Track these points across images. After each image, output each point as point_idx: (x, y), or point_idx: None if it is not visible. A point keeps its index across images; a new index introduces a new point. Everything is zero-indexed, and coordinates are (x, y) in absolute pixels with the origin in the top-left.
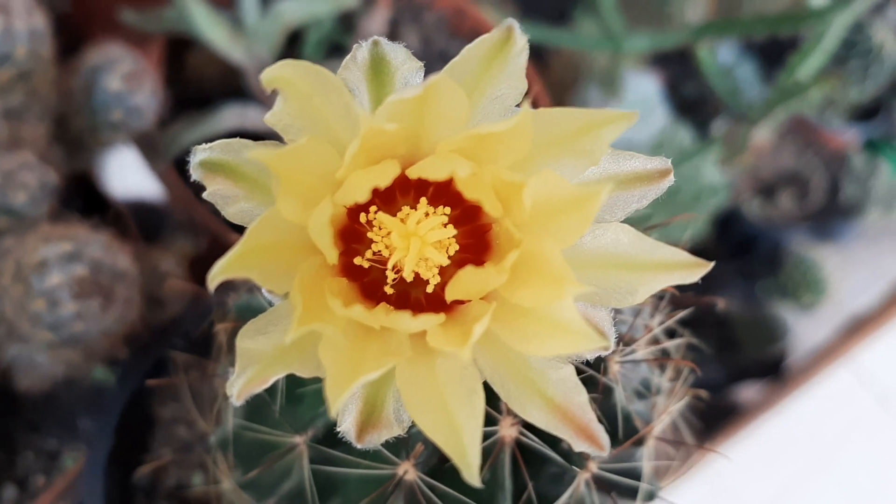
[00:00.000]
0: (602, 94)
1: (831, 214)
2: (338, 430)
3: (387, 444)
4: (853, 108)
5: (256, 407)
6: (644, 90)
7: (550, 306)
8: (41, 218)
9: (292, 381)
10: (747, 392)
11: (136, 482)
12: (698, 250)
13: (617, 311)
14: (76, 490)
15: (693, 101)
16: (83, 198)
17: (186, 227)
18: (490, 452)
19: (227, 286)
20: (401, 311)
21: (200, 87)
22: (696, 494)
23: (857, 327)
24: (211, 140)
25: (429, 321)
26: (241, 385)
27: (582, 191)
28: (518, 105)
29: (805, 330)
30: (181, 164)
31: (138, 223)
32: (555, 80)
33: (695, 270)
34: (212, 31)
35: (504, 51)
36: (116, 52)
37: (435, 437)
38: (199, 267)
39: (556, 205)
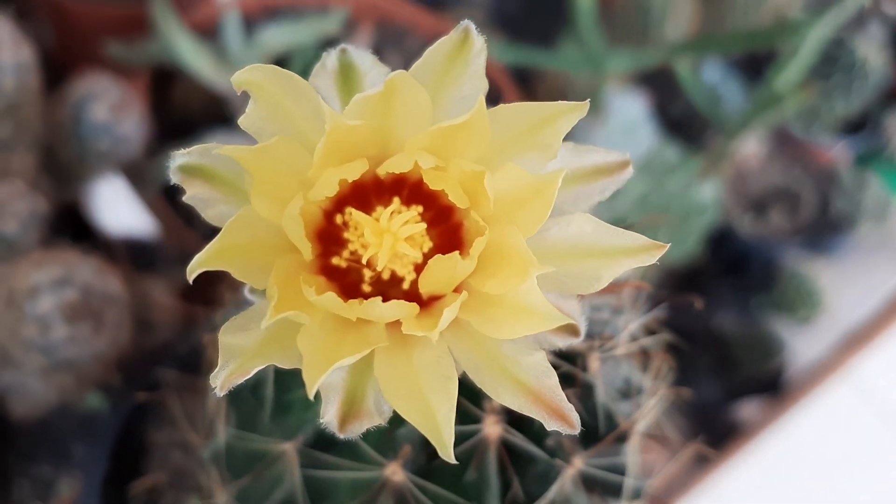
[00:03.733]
0: (586, 116)
1: (823, 229)
2: (321, 420)
3: (375, 446)
4: (840, 123)
5: (246, 417)
6: (629, 110)
7: (517, 291)
8: (32, 245)
9: (280, 389)
10: (746, 409)
11: None
12: (691, 269)
13: (596, 311)
14: None
15: (681, 120)
16: (73, 226)
17: (177, 255)
18: (475, 451)
19: (216, 304)
20: (373, 298)
21: (186, 115)
22: None
23: (855, 340)
24: None
25: (401, 308)
26: (224, 377)
27: (540, 179)
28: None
29: (802, 345)
30: (169, 193)
31: (129, 253)
32: None
33: (653, 252)
34: (196, 61)
35: (463, 51)
36: (103, 82)
37: (411, 418)
38: (189, 292)
39: (519, 195)
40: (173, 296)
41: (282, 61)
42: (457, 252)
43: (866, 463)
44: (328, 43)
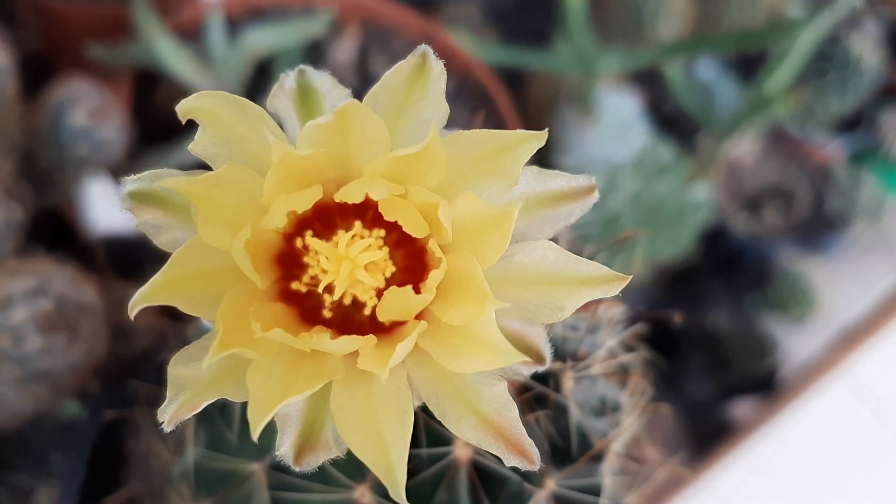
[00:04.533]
0: (578, 115)
1: (817, 227)
2: (276, 453)
3: (343, 469)
4: (835, 121)
5: (216, 436)
6: (621, 109)
7: (476, 324)
8: (7, 254)
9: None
10: (740, 408)
11: None
12: (685, 267)
13: (572, 329)
14: None
15: (674, 118)
16: (53, 232)
17: (159, 258)
18: (445, 474)
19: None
20: (323, 333)
21: (169, 119)
22: None
23: (849, 339)
24: (181, 170)
25: (352, 343)
26: (172, 411)
27: (497, 210)
28: (446, 127)
29: (796, 343)
30: None
31: (115, 258)
32: (533, 103)
33: (614, 284)
34: (179, 63)
35: (422, 77)
36: (82, 87)
37: (363, 457)
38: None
39: (478, 225)
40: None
41: (266, 64)
42: (410, 287)
43: (862, 461)
44: (314, 45)
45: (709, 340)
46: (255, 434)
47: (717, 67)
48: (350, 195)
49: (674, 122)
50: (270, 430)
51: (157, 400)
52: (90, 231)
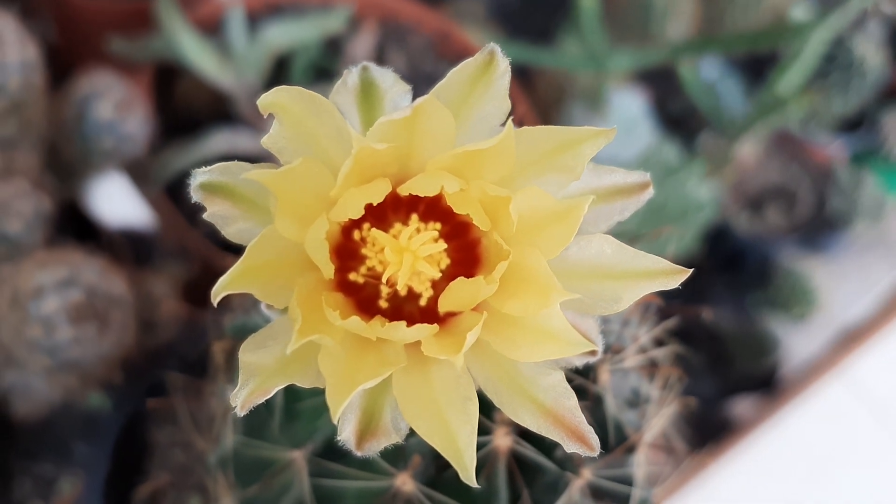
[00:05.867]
0: (587, 112)
1: (819, 227)
2: (338, 438)
3: (385, 456)
4: (837, 121)
5: (255, 424)
6: (629, 107)
7: (539, 315)
8: (36, 245)
9: (290, 397)
10: (741, 406)
11: None
12: (688, 265)
13: (605, 321)
14: None
15: (679, 117)
16: (76, 224)
17: (177, 253)
18: (485, 462)
19: (222, 307)
20: (396, 322)
21: (190, 113)
22: None
23: (849, 339)
24: (201, 165)
25: (423, 331)
26: (244, 396)
27: (565, 204)
28: (503, 124)
29: (796, 342)
30: (172, 190)
31: (130, 249)
32: (540, 99)
33: (675, 276)
34: (200, 58)
35: (487, 73)
36: (107, 80)
37: (432, 442)
38: (191, 291)
39: (542, 218)
40: (175, 294)
41: (285, 59)
42: (481, 276)
43: (861, 460)
44: (332, 41)
45: (710, 338)
46: (336, 417)
47: (721, 67)
48: (422, 188)
49: (679, 120)
50: (313, 417)
51: (188, 389)
52: (105, 223)
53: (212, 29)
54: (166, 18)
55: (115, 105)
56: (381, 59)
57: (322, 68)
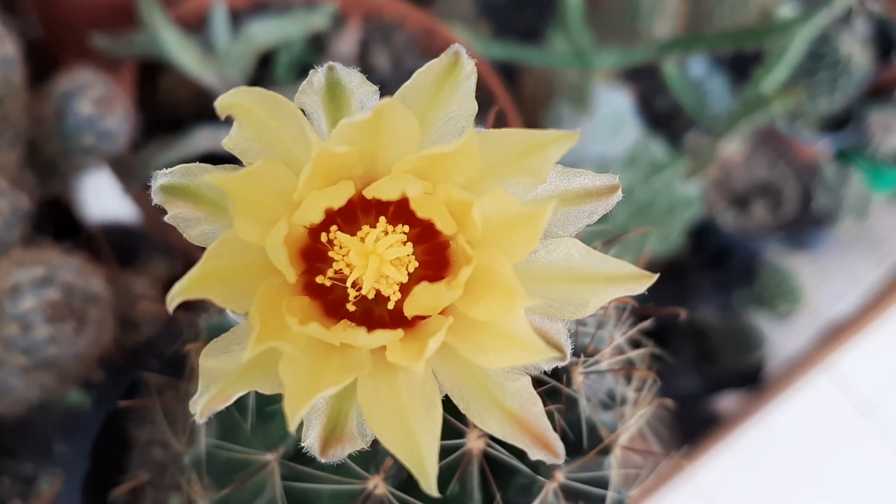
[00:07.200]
0: (573, 110)
1: (805, 224)
2: (302, 444)
3: (357, 459)
4: (823, 119)
5: (228, 426)
6: (615, 105)
7: (504, 320)
8: (14, 243)
9: (263, 399)
10: (726, 402)
11: None
12: (674, 262)
13: (581, 324)
14: None
15: (665, 114)
16: (57, 221)
17: (161, 250)
18: (458, 465)
19: (198, 306)
20: (357, 328)
21: (173, 109)
22: None
23: (834, 335)
24: (184, 162)
25: (384, 337)
26: (203, 403)
27: (529, 208)
28: (476, 126)
29: (782, 339)
30: None
31: (113, 246)
32: (527, 97)
33: (641, 282)
34: (183, 54)
35: (453, 75)
36: (87, 76)
37: (394, 449)
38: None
39: (507, 222)
40: (156, 292)
41: (269, 56)
42: (443, 282)
43: (844, 453)
44: (316, 38)
45: (696, 335)
46: (293, 425)
47: (708, 65)
48: (384, 192)
49: (664, 118)
50: (282, 422)
51: (165, 389)
52: (88, 220)
53: (196, 26)
54: (149, 15)
55: (95, 101)
56: (364, 55)
57: (306, 65)
